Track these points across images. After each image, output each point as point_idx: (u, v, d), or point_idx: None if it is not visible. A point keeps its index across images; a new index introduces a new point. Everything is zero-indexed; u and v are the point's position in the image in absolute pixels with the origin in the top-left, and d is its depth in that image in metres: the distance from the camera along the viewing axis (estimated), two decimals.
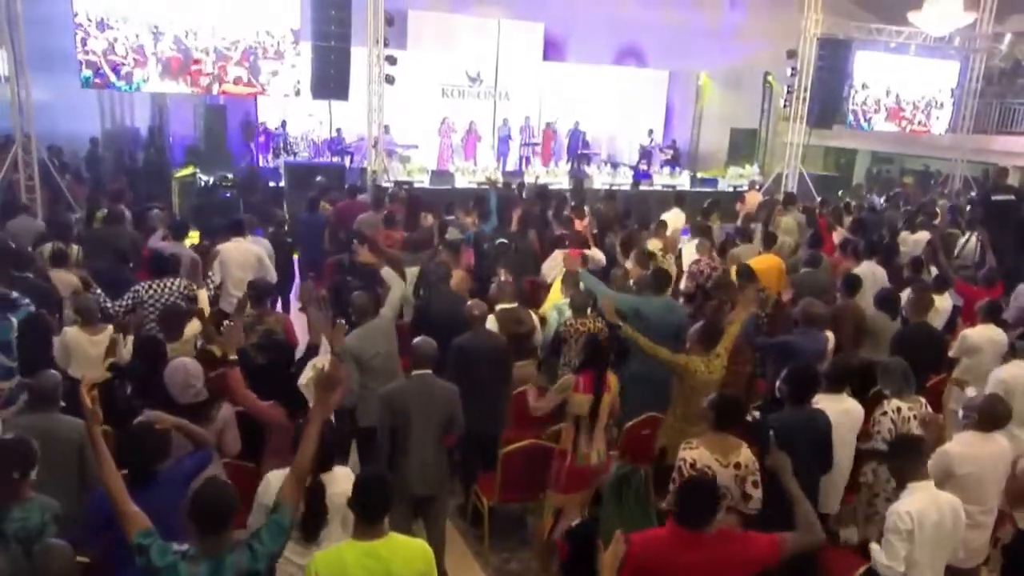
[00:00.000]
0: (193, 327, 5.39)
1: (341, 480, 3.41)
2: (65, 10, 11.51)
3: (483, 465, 5.22)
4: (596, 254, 7.82)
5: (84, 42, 11.30)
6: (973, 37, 17.34)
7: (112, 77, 11.67)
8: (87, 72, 11.56)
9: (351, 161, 16.50)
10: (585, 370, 4.66)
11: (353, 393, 4.96)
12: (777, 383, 4.40)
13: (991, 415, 4.02)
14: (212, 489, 2.85)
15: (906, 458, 3.59)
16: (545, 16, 18.66)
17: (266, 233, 9.22)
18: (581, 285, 6.03)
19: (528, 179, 15.92)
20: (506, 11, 18.37)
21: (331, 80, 12.94)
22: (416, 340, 4.53)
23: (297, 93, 13.02)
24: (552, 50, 19.42)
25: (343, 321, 4.83)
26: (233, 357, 4.38)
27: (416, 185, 15.02)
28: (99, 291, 5.85)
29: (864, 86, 16.93)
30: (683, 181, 17.37)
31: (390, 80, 13.67)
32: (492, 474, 5.01)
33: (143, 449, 3.38)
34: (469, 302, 5.41)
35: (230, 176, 14.28)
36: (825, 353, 5.41)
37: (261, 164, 16.22)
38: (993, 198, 8.85)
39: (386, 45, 13.60)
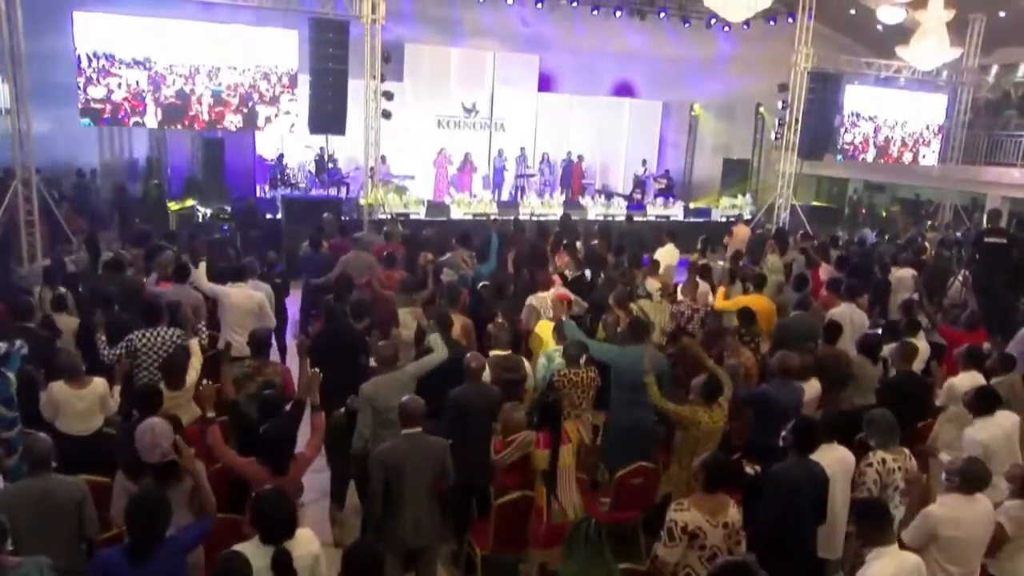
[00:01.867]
0: (192, 376, 5.46)
1: (304, 543, 3.48)
2: (66, 45, 11.76)
3: (476, 514, 5.30)
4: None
5: (86, 88, 11.54)
6: (961, 70, 17.64)
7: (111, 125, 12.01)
8: (86, 119, 11.87)
9: (347, 191, 16.67)
10: (542, 428, 4.80)
11: (362, 438, 5.05)
12: (783, 433, 4.50)
13: (972, 478, 4.12)
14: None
15: (872, 522, 3.70)
16: (540, 49, 18.92)
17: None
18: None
19: (523, 210, 16.14)
20: (501, 44, 18.63)
21: (328, 115, 13.16)
22: (404, 400, 4.61)
23: (292, 129, 13.31)
24: (547, 82, 19.66)
25: (318, 370, 4.88)
26: (212, 414, 4.47)
27: (412, 217, 15.20)
28: (103, 337, 5.93)
29: (854, 124, 17.20)
30: (677, 212, 17.60)
31: (387, 115, 13.88)
32: (486, 523, 5.10)
33: (150, 517, 3.41)
34: (468, 355, 5.50)
35: (228, 209, 14.41)
36: (800, 404, 5.49)
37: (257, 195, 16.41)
38: (986, 240, 9.01)
39: (382, 80, 13.81)
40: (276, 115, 12.88)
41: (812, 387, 5.91)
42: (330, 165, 16.62)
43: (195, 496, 4.02)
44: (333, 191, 16.53)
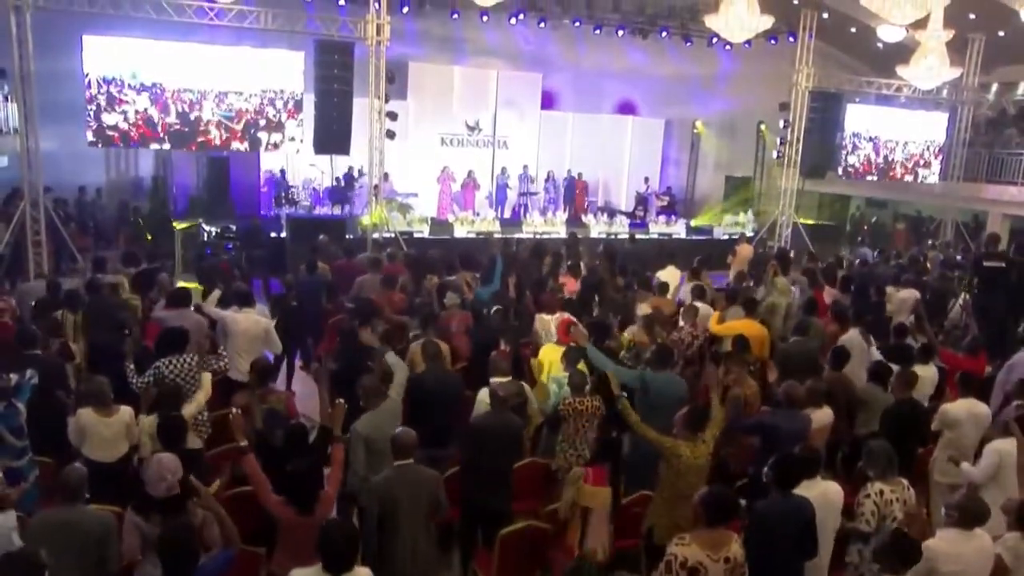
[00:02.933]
0: (191, 409, 5.49)
1: None
2: (72, 64, 11.90)
3: (484, 540, 5.31)
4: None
5: (96, 116, 11.71)
6: (961, 89, 17.74)
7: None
8: (97, 142, 12.03)
9: (351, 209, 16.79)
10: (597, 463, 4.82)
11: (357, 476, 5.07)
12: (764, 469, 4.54)
13: (971, 513, 4.17)
14: None
15: (899, 555, 3.76)
16: (543, 67, 19.09)
17: (265, 294, 9.44)
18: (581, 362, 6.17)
19: (527, 228, 16.22)
20: (505, 63, 18.81)
21: (333, 135, 13.29)
22: (397, 431, 4.65)
23: (297, 151, 13.44)
24: (550, 100, 19.80)
25: (343, 401, 4.93)
26: (244, 443, 4.53)
27: (416, 235, 15.30)
28: (131, 366, 5.97)
29: (856, 147, 17.25)
30: (679, 229, 17.69)
31: (391, 135, 14.00)
32: (491, 551, 5.13)
33: (182, 550, 3.50)
34: (493, 381, 5.55)
35: (233, 228, 14.49)
36: (806, 433, 5.50)
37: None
38: (984, 263, 9.09)
39: (386, 101, 13.92)
40: (281, 141, 13.03)
41: (825, 414, 5.93)
42: (358, 183, 16.71)
43: (205, 531, 4.05)
44: (337, 210, 16.67)
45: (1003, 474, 5.22)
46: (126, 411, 5.40)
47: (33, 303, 7.88)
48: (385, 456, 4.90)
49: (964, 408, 6.05)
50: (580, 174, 19.29)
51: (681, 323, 7.93)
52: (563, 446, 5.70)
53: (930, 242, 17.81)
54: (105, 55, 11.69)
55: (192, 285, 11.38)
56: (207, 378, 5.89)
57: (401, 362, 5.70)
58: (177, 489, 4.13)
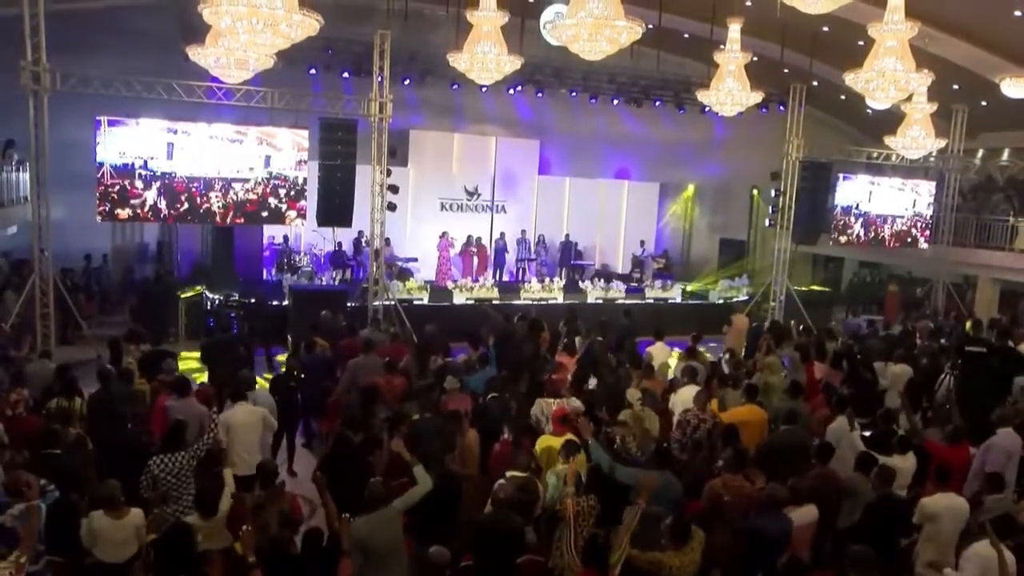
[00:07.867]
0: (225, 504, 5.68)
1: None
2: (82, 135, 12.24)
3: None
4: (576, 403, 7.86)
5: (110, 212, 12.19)
6: (947, 156, 18.19)
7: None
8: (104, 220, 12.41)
9: (352, 274, 17.10)
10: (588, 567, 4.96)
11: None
12: None
13: None
14: None
15: None
16: (540, 134, 19.62)
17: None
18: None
19: (524, 294, 16.50)
20: (503, 130, 19.33)
21: (335, 208, 13.67)
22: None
23: (303, 219, 13.78)
24: (547, 165, 20.28)
25: (348, 516, 5.11)
26: (252, 559, 4.72)
27: (415, 303, 15.58)
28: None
29: (847, 225, 17.59)
30: (675, 294, 17.97)
31: (392, 208, 14.36)
32: None
33: None
34: (496, 484, 5.70)
35: (236, 296, 14.77)
36: (788, 536, 5.68)
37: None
38: (967, 348, 9.32)
39: (388, 175, 14.31)
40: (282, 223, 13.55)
41: (809, 512, 6.07)
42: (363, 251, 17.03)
43: None
44: (337, 275, 16.97)
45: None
46: (136, 514, 5.57)
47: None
48: (382, 563, 5.08)
49: (943, 503, 6.15)
50: (479, 238, 18.70)
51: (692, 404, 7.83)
52: (559, 546, 5.68)
53: (922, 310, 18.02)
54: (118, 143, 12.00)
55: (194, 355, 11.64)
56: (228, 474, 6.10)
57: (427, 477, 5.77)
58: None
